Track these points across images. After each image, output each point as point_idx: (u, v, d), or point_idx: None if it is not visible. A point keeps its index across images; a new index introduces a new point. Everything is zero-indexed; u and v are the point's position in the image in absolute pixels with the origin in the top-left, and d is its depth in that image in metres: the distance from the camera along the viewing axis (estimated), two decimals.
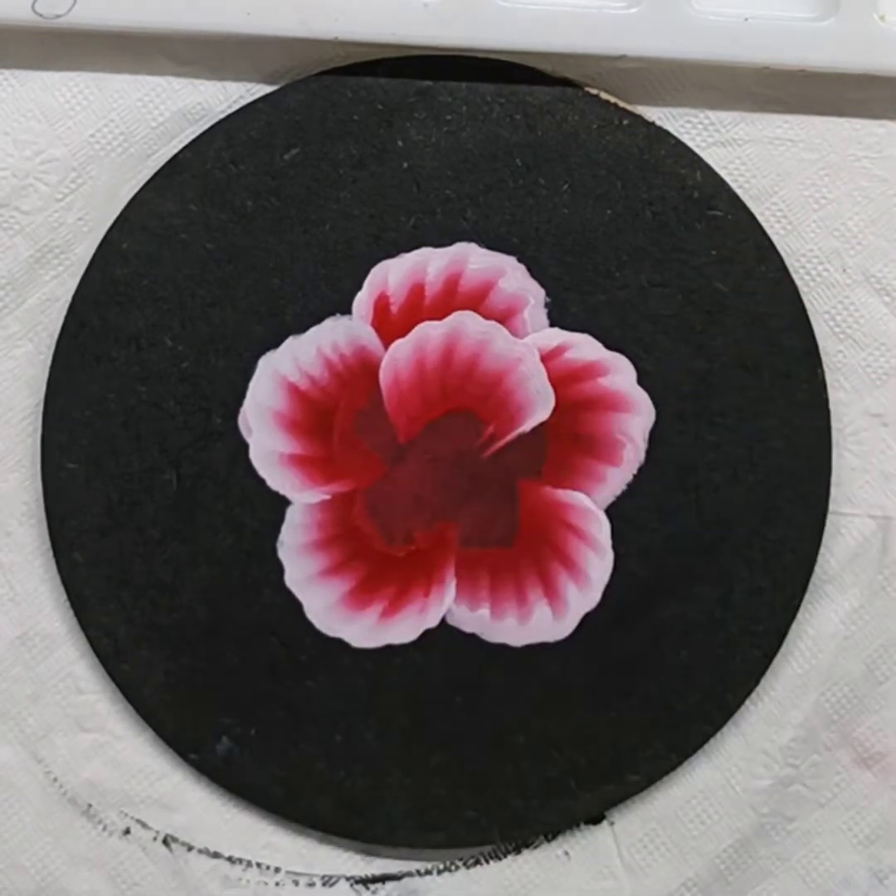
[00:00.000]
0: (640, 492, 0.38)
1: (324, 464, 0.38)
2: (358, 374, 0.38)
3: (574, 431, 0.38)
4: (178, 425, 0.38)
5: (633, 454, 0.38)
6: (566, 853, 0.39)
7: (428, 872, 0.38)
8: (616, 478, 0.38)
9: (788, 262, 0.38)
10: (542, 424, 0.38)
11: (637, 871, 0.39)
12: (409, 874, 0.38)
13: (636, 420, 0.38)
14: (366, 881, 0.38)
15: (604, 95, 0.38)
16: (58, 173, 0.38)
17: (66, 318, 0.38)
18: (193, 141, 0.38)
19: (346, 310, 0.38)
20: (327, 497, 0.38)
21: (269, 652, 0.38)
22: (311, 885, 0.39)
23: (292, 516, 0.38)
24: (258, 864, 0.38)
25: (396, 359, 0.38)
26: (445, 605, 0.38)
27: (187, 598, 0.38)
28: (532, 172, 0.38)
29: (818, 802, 0.39)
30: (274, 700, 0.38)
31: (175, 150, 0.38)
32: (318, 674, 0.38)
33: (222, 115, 0.38)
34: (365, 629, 0.38)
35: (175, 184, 0.38)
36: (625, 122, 0.38)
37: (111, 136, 0.38)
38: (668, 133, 0.38)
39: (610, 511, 0.38)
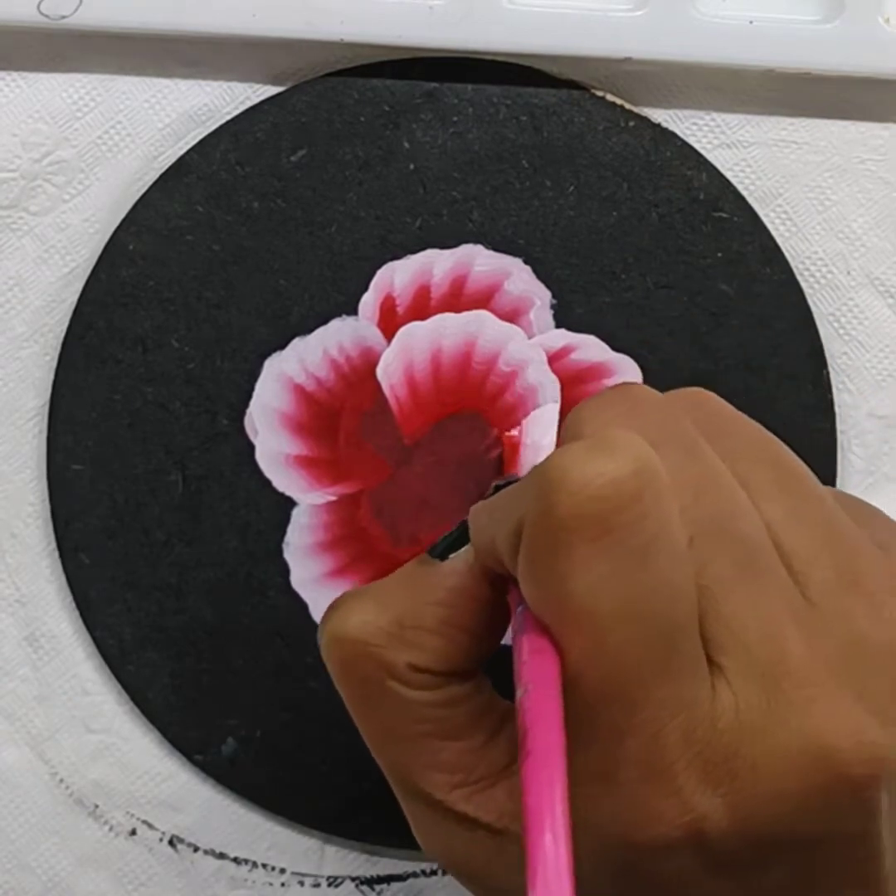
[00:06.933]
0: None
1: (330, 465, 0.38)
2: (364, 375, 0.38)
3: None
4: (184, 427, 0.38)
5: None
6: None
7: (433, 873, 0.38)
8: None
9: (793, 264, 0.38)
10: None
11: None
12: (414, 875, 0.39)
13: None
14: (371, 882, 0.39)
15: (610, 97, 0.38)
16: (65, 175, 0.38)
17: (72, 319, 0.38)
18: (200, 142, 0.38)
19: (352, 311, 0.38)
20: (333, 498, 0.38)
21: (274, 653, 0.38)
22: (317, 885, 0.39)
23: (298, 517, 0.38)
24: (264, 865, 0.38)
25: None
26: None
27: (193, 599, 0.38)
28: (538, 174, 0.38)
29: None
30: (279, 701, 0.38)
31: (181, 152, 0.38)
32: (324, 675, 0.37)
33: (229, 117, 0.38)
34: None
35: (181, 185, 0.38)
36: (631, 123, 0.38)
37: (118, 137, 0.38)
38: (673, 135, 0.38)
39: None
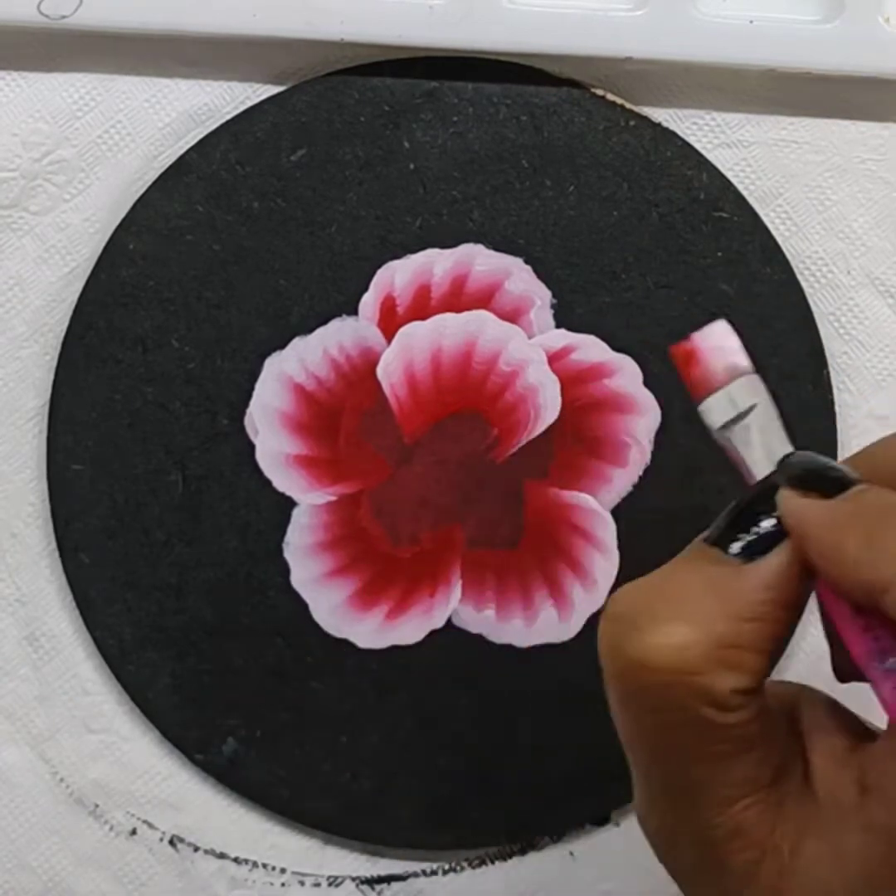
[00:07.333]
0: (646, 493, 0.38)
1: (330, 465, 0.38)
2: (364, 375, 0.38)
3: (580, 433, 0.38)
4: (184, 426, 0.38)
5: (638, 456, 0.38)
6: (571, 854, 0.39)
7: (433, 873, 0.38)
8: (622, 479, 0.38)
9: (793, 263, 0.38)
10: (548, 426, 0.38)
11: (642, 872, 0.39)
12: (415, 875, 0.39)
13: (642, 421, 0.38)
14: (371, 882, 0.39)
15: (610, 97, 0.38)
16: (66, 174, 0.38)
17: (72, 319, 0.38)
18: (200, 142, 0.38)
19: (352, 311, 0.38)
20: (333, 498, 0.38)
21: (274, 653, 0.38)
22: (317, 885, 0.39)
23: (298, 517, 0.38)
24: (264, 865, 0.38)
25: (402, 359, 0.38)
26: (451, 606, 0.38)
27: (193, 599, 0.38)
28: (538, 174, 0.38)
29: None
30: (280, 701, 0.38)
31: (182, 151, 0.38)
32: (324, 675, 0.38)
33: (229, 116, 0.38)
34: (371, 630, 0.38)
35: (181, 185, 0.38)
36: (631, 123, 0.38)
37: (118, 137, 0.38)
38: (674, 134, 0.38)
39: (615, 512, 0.38)
